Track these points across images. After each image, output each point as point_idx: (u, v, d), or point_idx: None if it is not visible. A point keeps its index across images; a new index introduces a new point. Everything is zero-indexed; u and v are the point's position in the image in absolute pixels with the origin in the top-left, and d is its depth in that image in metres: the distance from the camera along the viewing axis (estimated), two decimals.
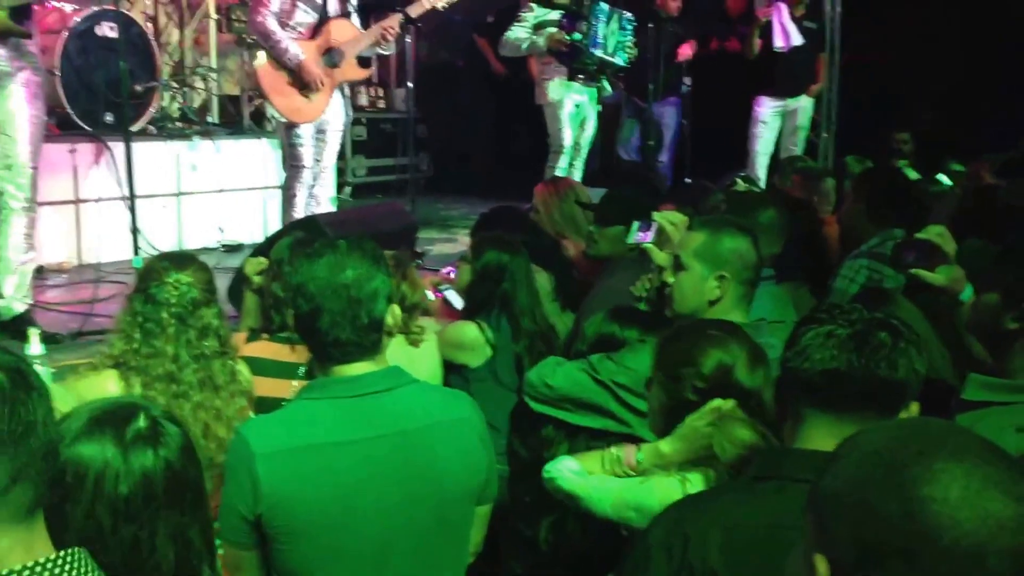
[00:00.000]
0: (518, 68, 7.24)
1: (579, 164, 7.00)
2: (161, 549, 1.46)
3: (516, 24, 6.76)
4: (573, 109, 6.79)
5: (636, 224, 3.14)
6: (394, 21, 5.69)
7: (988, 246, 2.35)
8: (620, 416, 2.48)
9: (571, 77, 6.73)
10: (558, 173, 6.62)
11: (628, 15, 6.87)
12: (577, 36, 6.60)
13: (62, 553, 1.21)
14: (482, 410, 2.13)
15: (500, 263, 3.36)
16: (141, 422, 1.49)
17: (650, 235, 3.07)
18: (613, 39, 6.78)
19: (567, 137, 6.79)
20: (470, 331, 3.33)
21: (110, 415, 1.49)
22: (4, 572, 1.17)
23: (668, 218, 3.05)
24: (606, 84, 6.98)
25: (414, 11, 5.72)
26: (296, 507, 1.89)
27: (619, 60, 6.85)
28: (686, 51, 8.02)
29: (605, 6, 6.74)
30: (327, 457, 1.92)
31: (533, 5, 6.74)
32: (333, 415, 1.96)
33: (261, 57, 5.46)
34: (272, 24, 5.37)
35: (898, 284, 3.00)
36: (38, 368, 1.95)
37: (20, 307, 4.50)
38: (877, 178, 3.90)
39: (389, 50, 6.10)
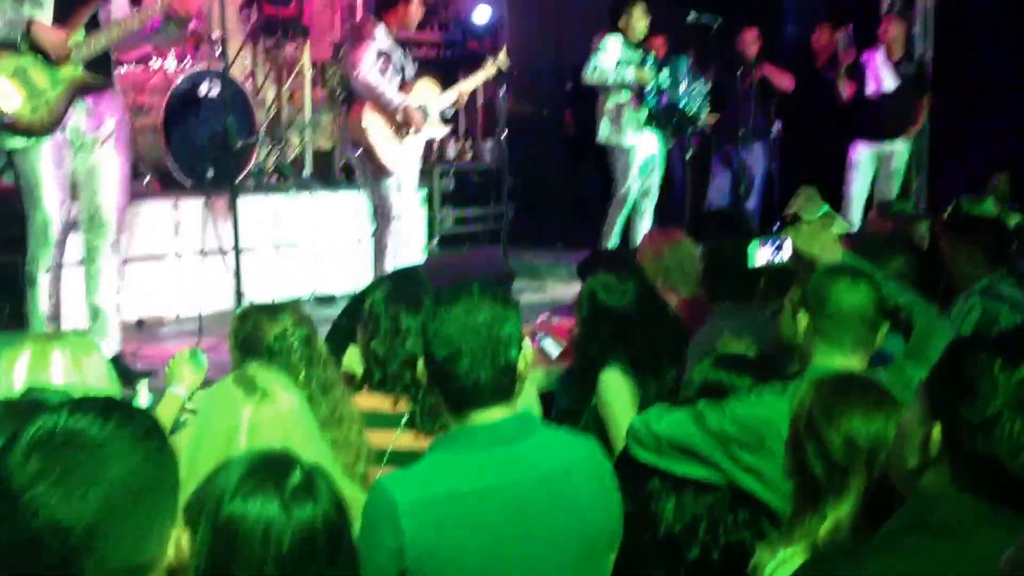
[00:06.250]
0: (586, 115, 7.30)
1: (650, 208, 7.00)
2: None
3: (599, 52, 6.65)
4: (646, 157, 6.77)
5: (755, 241, 2.85)
6: (486, 72, 5.96)
7: None
8: (726, 468, 2.37)
9: (648, 122, 6.67)
10: (619, 221, 6.76)
11: (703, 77, 6.88)
12: (663, 81, 6.61)
13: None
14: None
15: None
16: (297, 475, 1.42)
17: (782, 250, 2.80)
18: (698, 96, 6.79)
19: (635, 187, 6.77)
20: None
21: (267, 468, 1.43)
22: None
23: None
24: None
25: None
26: (443, 558, 1.84)
27: (700, 120, 6.90)
28: (785, 82, 7.87)
29: (686, 61, 6.76)
30: (472, 504, 1.88)
31: (613, 39, 6.65)
32: (473, 462, 1.92)
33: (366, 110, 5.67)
34: (375, 76, 5.55)
35: (1011, 323, 2.90)
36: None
37: (112, 349, 4.51)
38: (988, 224, 3.85)
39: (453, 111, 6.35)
